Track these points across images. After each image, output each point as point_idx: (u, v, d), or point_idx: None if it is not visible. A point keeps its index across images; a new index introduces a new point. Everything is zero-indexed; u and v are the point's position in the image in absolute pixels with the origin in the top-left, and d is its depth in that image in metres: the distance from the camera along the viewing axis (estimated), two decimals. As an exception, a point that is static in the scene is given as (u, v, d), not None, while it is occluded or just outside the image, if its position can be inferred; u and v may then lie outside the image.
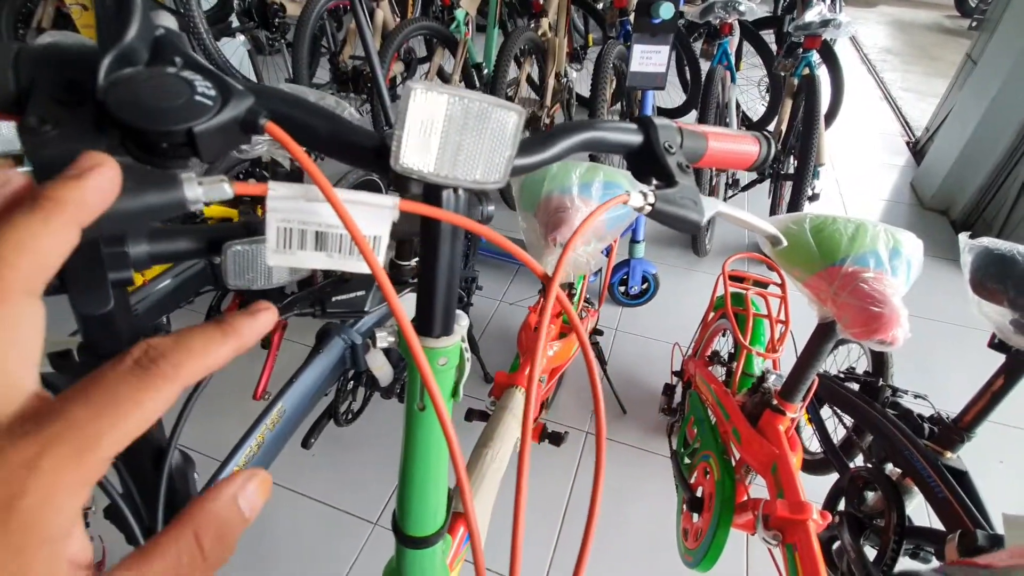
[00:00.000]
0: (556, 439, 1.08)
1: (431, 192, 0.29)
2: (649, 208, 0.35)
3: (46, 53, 0.22)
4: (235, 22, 2.44)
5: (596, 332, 1.40)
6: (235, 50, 2.85)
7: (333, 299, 0.42)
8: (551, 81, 2.31)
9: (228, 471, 0.71)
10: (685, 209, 0.36)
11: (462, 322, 0.37)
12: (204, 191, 0.21)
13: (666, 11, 1.26)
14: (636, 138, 0.38)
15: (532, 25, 2.22)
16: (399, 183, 0.28)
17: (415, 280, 0.55)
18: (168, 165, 0.22)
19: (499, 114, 0.27)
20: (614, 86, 2.19)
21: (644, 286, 1.84)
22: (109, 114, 0.20)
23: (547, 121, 2.36)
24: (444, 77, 2.58)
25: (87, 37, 1.34)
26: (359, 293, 0.43)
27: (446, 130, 0.26)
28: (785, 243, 0.49)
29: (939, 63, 4.47)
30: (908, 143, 3.15)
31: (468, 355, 0.38)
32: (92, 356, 0.37)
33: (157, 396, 0.15)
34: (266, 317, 0.20)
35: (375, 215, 0.25)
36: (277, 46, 2.61)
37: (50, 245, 0.15)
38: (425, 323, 0.34)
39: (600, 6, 3.03)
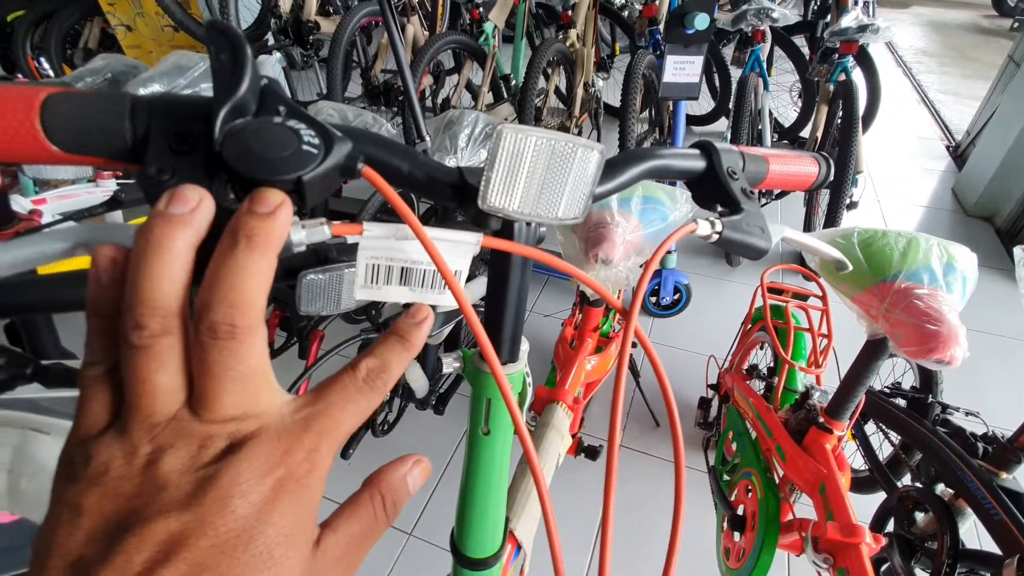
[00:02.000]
0: (592, 453, 1.07)
1: (506, 225, 0.30)
2: (716, 237, 0.35)
3: (159, 105, 0.23)
4: (271, 40, 2.52)
5: (632, 345, 1.39)
6: (271, 67, 2.94)
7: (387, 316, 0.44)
8: (579, 91, 2.32)
9: None
10: (752, 236, 0.35)
11: (524, 347, 0.38)
12: (307, 234, 0.22)
13: (701, 22, 1.26)
14: (699, 164, 0.38)
15: (560, 36, 2.24)
16: (480, 218, 0.28)
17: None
18: None
19: (583, 153, 0.27)
20: (642, 95, 2.18)
21: (676, 296, 1.82)
22: (224, 164, 0.21)
23: (575, 131, 2.36)
24: (472, 89, 2.61)
25: (136, 59, 1.39)
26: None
27: (532, 170, 0.27)
28: (850, 267, 0.48)
29: (977, 64, 4.33)
30: (948, 147, 3.05)
31: (530, 379, 0.39)
32: None
33: (374, 404, 0.21)
34: (428, 323, 0.23)
35: (458, 250, 0.26)
36: (310, 62, 2.68)
37: (269, 277, 0.18)
38: (494, 348, 0.34)
39: (626, 14, 3.03)
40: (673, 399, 0.30)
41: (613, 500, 0.27)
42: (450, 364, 0.39)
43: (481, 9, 2.35)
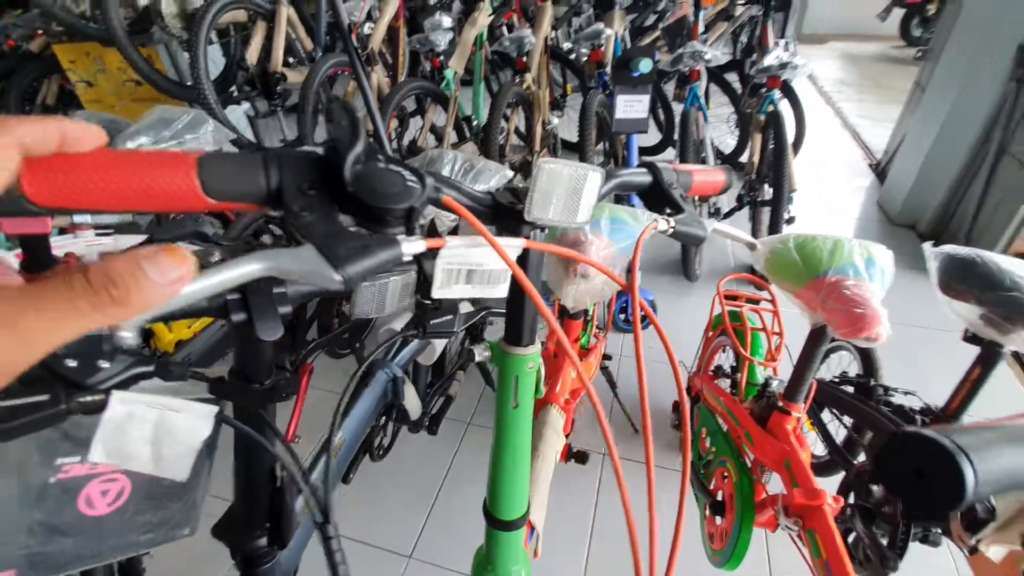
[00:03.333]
0: (582, 458, 1.15)
1: (526, 231, 0.40)
2: (671, 230, 0.46)
3: (286, 161, 0.31)
4: (237, 91, 2.60)
5: (606, 357, 1.49)
6: (239, 117, 3.01)
7: (431, 323, 0.50)
8: (538, 129, 2.48)
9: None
10: (695, 228, 0.47)
11: (541, 332, 0.47)
12: (411, 246, 0.31)
13: (645, 66, 1.42)
14: (648, 179, 0.50)
15: (517, 80, 2.41)
16: (515, 228, 0.38)
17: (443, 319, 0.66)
18: (389, 232, 0.31)
19: (592, 175, 0.38)
20: (596, 130, 2.37)
21: (643, 313, 1.95)
22: (357, 199, 0.29)
23: (537, 165, 2.51)
24: (436, 131, 2.74)
25: (102, 112, 1.45)
26: (449, 317, 0.51)
27: (560, 190, 0.37)
28: (759, 246, 0.61)
29: (890, 91, 4.82)
30: (870, 165, 3.38)
31: (542, 361, 0.48)
32: (241, 379, 0.45)
33: (76, 318, 0.21)
34: (182, 283, 0.23)
35: (510, 252, 0.35)
36: (275, 110, 2.76)
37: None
38: (517, 335, 0.43)
39: (574, 57, 3.27)
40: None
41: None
42: (480, 353, 0.47)
43: (442, 57, 2.51)
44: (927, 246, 1.02)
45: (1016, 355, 1.89)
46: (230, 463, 0.55)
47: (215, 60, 2.76)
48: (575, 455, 1.14)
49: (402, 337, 0.93)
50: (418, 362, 1.16)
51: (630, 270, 0.47)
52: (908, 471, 0.24)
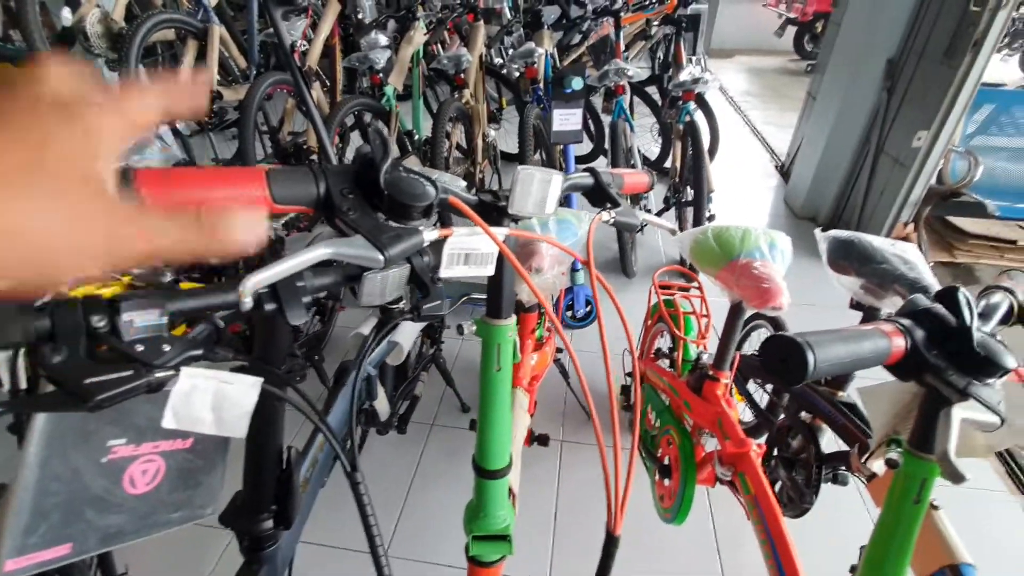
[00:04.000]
0: (543, 440, 1.26)
1: (504, 220, 0.50)
2: (613, 220, 0.58)
3: (330, 173, 0.40)
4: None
5: (558, 350, 1.62)
6: (165, 132, 2.91)
7: (425, 307, 0.57)
8: (479, 141, 2.60)
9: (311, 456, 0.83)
10: (631, 218, 0.60)
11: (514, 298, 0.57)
12: (428, 235, 0.40)
13: (577, 83, 1.58)
14: (591, 181, 0.63)
15: (456, 96, 2.52)
16: (502, 219, 0.48)
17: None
18: (416, 220, 0.40)
19: (555, 177, 0.49)
20: (534, 141, 2.52)
21: (587, 308, 2.10)
22: (390, 197, 0.38)
23: (480, 176, 2.63)
24: (378, 145, 2.80)
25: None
26: (439, 301, 0.59)
27: (536, 190, 0.48)
28: (679, 231, 0.77)
29: (789, 100, 5.35)
30: (776, 167, 3.77)
31: (516, 331, 0.58)
32: (262, 363, 0.52)
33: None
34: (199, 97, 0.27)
35: (498, 238, 0.45)
36: (202, 129, 2.71)
37: None
38: (497, 310, 0.54)
39: (505, 72, 3.43)
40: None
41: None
42: (468, 328, 0.57)
43: (381, 75, 2.58)
44: (818, 231, 1.22)
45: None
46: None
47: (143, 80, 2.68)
48: (537, 438, 1.24)
49: (374, 336, 1.01)
50: (386, 363, 1.23)
51: (575, 268, 0.58)
52: (776, 357, 0.36)
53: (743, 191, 3.39)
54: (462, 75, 2.48)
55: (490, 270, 0.46)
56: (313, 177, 0.39)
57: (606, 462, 0.52)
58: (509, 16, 3.26)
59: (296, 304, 0.46)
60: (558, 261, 1.09)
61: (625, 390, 1.65)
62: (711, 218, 2.30)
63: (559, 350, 1.65)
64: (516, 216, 0.49)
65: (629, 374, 1.65)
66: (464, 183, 1.26)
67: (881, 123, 2.55)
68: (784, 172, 3.60)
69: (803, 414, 1.29)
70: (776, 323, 1.45)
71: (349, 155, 2.91)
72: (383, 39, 2.60)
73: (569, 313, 2.08)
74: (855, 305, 1.20)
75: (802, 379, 0.35)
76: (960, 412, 0.40)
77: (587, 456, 1.60)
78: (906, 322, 0.42)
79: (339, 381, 1.01)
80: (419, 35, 2.70)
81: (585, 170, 0.62)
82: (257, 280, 0.37)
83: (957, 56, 2.11)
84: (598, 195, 0.61)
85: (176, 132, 2.58)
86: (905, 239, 2.58)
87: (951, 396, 0.40)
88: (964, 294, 0.42)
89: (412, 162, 2.71)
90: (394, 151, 0.40)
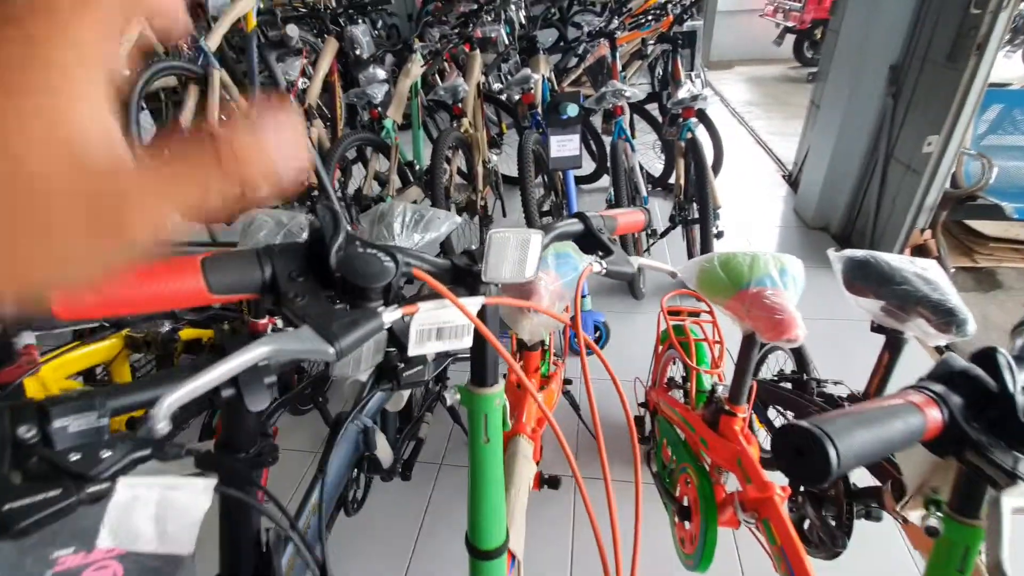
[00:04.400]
0: (554, 483, 1.20)
1: (483, 288, 0.46)
2: (604, 271, 0.54)
3: (276, 253, 0.36)
4: (172, 155, 2.56)
5: (567, 382, 1.56)
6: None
7: (404, 375, 0.54)
8: (479, 169, 2.59)
9: (301, 522, 0.78)
10: (623, 266, 0.56)
11: (502, 368, 0.53)
12: (389, 316, 0.36)
13: (572, 110, 1.55)
14: (580, 227, 0.58)
15: (455, 125, 2.52)
16: (475, 287, 0.44)
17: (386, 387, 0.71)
18: (373, 303, 0.36)
19: (533, 237, 0.45)
20: (534, 165, 2.50)
21: (596, 334, 2.04)
22: (344, 280, 0.34)
23: (482, 203, 2.61)
24: (379, 178, 2.81)
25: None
26: (420, 367, 0.55)
27: (510, 253, 0.44)
28: (680, 275, 0.72)
29: (792, 107, 5.30)
30: (784, 176, 3.71)
31: (505, 396, 0.53)
32: (229, 451, 0.48)
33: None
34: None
35: (471, 309, 0.41)
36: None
37: None
38: (482, 377, 0.49)
39: (505, 97, 3.44)
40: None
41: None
42: (451, 397, 0.53)
43: (380, 108, 2.59)
44: (831, 252, 1.16)
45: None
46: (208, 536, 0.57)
47: (145, 126, 2.73)
48: (547, 481, 1.18)
49: (371, 389, 0.97)
50: (386, 409, 1.18)
51: (584, 295, 0.54)
52: (791, 452, 0.31)
53: (751, 204, 3.33)
54: (459, 104, 2.48)
55: (467, 342, 0.42)
56: (257, 261, 0.36)
57: (614, 512, 0.46)
58: (506, 42, 3.29)
59: (257, 387, 0.42)
60: (559, 297, 1.04)
61: (637, 421, 1.58)
62: (719, 235, 2.25)
63: (567, 381, 1.59)
64: (492, 282, 0.45)
65: (642, 404, 1.59)
66: (459, 219, 1.22)
67: (889, 129, 2.49)
68: (792, 182, 3.54)
69: (828, 444, 1.21)
70: (796, 350, 1.38)
71: (352, 187, 2.92)
72: (381, 73, 2.62)
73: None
74: (876, 328, 1.14)
75: (824, 479, 0.30)
76: (1011, 501, 0.34)
77: (602, 491, 1.52)
78: (939, 388, 0.37)
79: (335, 432, 0.97)
80: (416, 67, 2.71)
81: (574, 216, 0.58)
82: (172, 401, 0.32)
83: (961, 59, 2.05)
84: (588, 242, 0.57)
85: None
86: (923, 246, 2.49)
87: (998, 479, 0.34)
88: (1003, 355, 0.36)
89: (413, 193, 2.70)
90: (344, 226, 0.36)
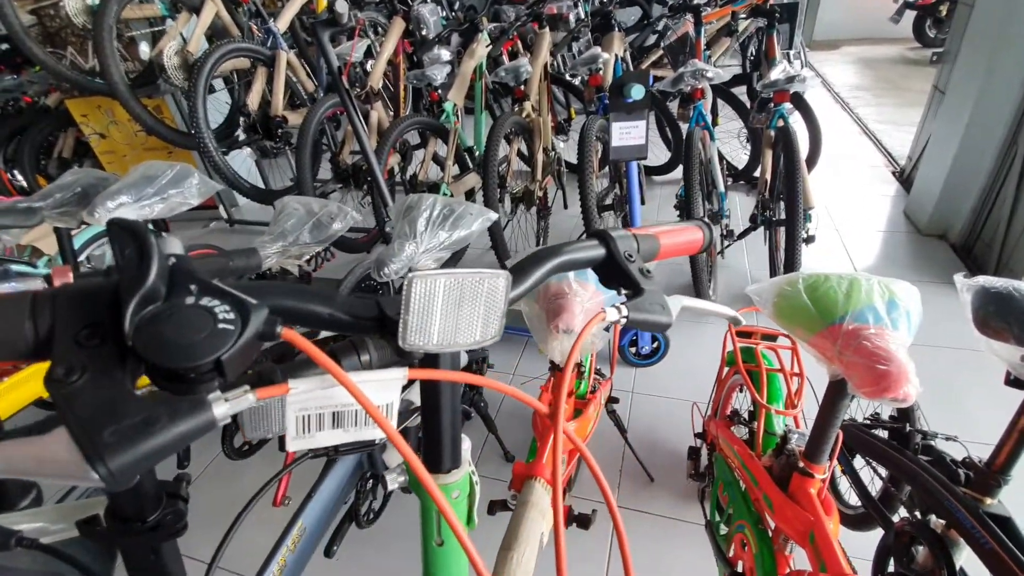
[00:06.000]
0: (584, 522, 1.05)
1: (431, 356, 0.32)
2: (624, 321, 0.38)
3: (62, 299, 0.24)
4: (241, 136, 2.62)
5: (612, 400, 1.39)
6: (242, 161, 3.04)
7: (340, 447, 0.44)
8: (540, 157, 2.42)
9: None
10: (656, 314, 0.39)
11: (465, 446, 0.39)
12: (230, 406, 0.23)
13: (637, 92, 1.35)
14: (599, 252, 0.42)
15: (516, 109, 2.37)
16: (402, 352, 0.30)
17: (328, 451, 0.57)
18: (196, 391, 0.23)
19: (491, 282, 0.30)
20: (599, 154, 2.30)
21: (655, 345, 1.84)
22: (140, 358, 0.22)
23: (540, 194, 2.45)
24: (439, 162, 2.72)
25: (106, 172, 1.43)
26: None
27: (445, 306, 0.29)
28: (743, 322, 0.54)
29: (909, 93, 4.65)
30: (894, 173, 3.23)
31: (476, 479, 0.40)
32: (119, 520, 0.38)
33: None
34: None
35: (386, 387, 0.28)
36: (280, 151, 2.78)
37: None
38: (435, 461, 0.35)
39: (577, 81, 3.23)
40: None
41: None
42: (394, 480, 0.40)
43: (440, 91, 2.49)
44: (959, 277, 0.91)
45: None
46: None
47: (219, 108, 2.81)
48: (576, 519, 1.03)
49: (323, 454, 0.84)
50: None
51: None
52: None
53: (851, 203, 2.92)
54: (523, 87, 2.33)
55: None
56: (30, 310, 0.24)
57: None
58: (581, 18, 3.06)
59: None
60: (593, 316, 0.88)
61: (692, 453, 1.38)
62: (809, 240, 1.95)
63: (613, 399, 1.42)
64: (415, 351, 0.30)
65: (699, 434, 1.39)
66: (495, 216, 1.08)
67: (1037, 120, 2.05)
68: (904, 179, 3.07)
69: (933, 519, 0.97)
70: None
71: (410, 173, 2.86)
72: (445, 54, 2.52)
73: (633, 350, 1.84)
74: (1013, 381, 0.88)
75: None
76: None
77: (647, 529, 1.35)
78: None
79: (325, 471, 0.87)
80: (481, 47, 2.58)
81: (593, 235, 0.42)
82: None
83: None
84: (611, 273, 0.41)
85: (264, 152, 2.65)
86: (1073, 264, 2.04)
87: None
88: None
89: (471, 180, 2.59)
90: (158, 259, 0.23)
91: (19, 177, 3.25)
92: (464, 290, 0.29)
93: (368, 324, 0.31)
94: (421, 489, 0.37)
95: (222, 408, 0.23)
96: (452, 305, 0.29)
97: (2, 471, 0.20)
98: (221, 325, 0.23)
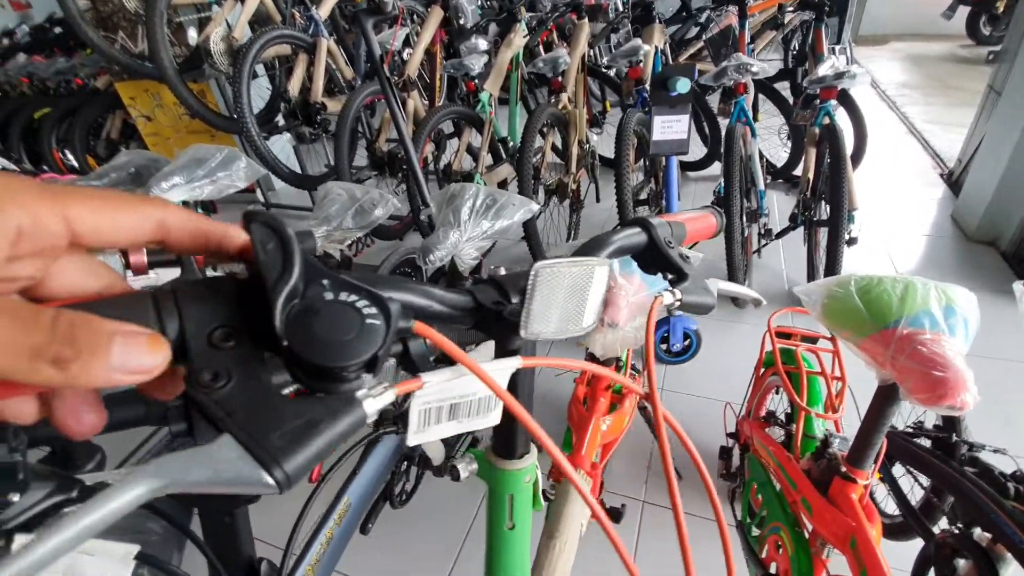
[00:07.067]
0: (615, 516, 1.06)
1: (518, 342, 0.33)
2: (679, 303, 0.39)
3: (186, 298, 0.22)
4: (281, 121, 2.67)
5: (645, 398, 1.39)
6: (281, 146, 3.11)
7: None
8: (574, 149, 2.41)
9: (301, 571, 0.72)
10: (702, 296, 0.40)
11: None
12: (376, 402, 0.23)
13: (683, 86, 1.33)
14: (642, 238, 0.43)
15: (552, 100, 2.35)
16: (506, 338, 0.31)
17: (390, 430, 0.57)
18: (350, 389, 0.22)
19: (599, 271, 0.31)
20: (635, 148, 2.27)
21: (686, 342, 1.82)
22: (296, 357, 0.21)
23: (573, 186, 2.44)
24: (473, 153, 2.73)
25: (157, 154, 1.47)
26: None
27: (564, 295, 0.30)
28: (764, 303, 0.56)
29: (960, 92, 4.45)
30: (941, 175, 3.10)
31: (538, 466, 0.40)
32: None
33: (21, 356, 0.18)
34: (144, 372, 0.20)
35: (500, 376, 0.28)
36: (317, 138, 2.82)
37: None
38: (509, 448, 0.36)
39: (613, 73, 3.19)
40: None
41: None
42: (466, 468, 0.41)
43: (476, 80, 2.49)
44: (1018, 285, 0.88)
45: None
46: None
47: (260, 93, 2.87)
48: (608, 512, 1.04)
49: (393, 431, 0.87)
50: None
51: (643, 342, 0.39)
52: None
53: (895, 204, 2.82)
54: (560, 78, 2.31)
55: (493, 418, 0.29)
56: (153, 309, 0.22)
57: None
58: (619, 9, 3.01)
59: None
60: (639, 310, 0.88)
61: (724, 453, 1.37)
62: (852, 242, 1.90)
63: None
64: (535, 339, 0.31)
65: (731, 434, 1.38)
66: (536, 207, 1.09)
67: (1106, 123, 1.94)
68: (953, 182, 2.96)
69: (977, 532, 0.94)
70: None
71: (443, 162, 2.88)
72: (483, 44, 2.51)
73: (664, 347, 1.83)
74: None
75: None
76: None
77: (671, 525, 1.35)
78: None
79: (374, 440, 0.90)
80: (519, 38, 2.57)
81: (634, 222, 0.43)
82: None
83: None
84: (653, 259, 0.42)
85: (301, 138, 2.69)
86: None
87: None
88: None
89: (504, 171, 2.59)
90: (301, 257, 0.23)
91: (70, 157, 3.38)
92: (576, 279, 0.30)
93: (493, 314, 0.31)
94: (492, 476, 0.38)
95: (372, 405, 0.22)
96: (568, 294, 0.30)
97: (168, 488, 0.19)
98: (369, 322, 0.22)
